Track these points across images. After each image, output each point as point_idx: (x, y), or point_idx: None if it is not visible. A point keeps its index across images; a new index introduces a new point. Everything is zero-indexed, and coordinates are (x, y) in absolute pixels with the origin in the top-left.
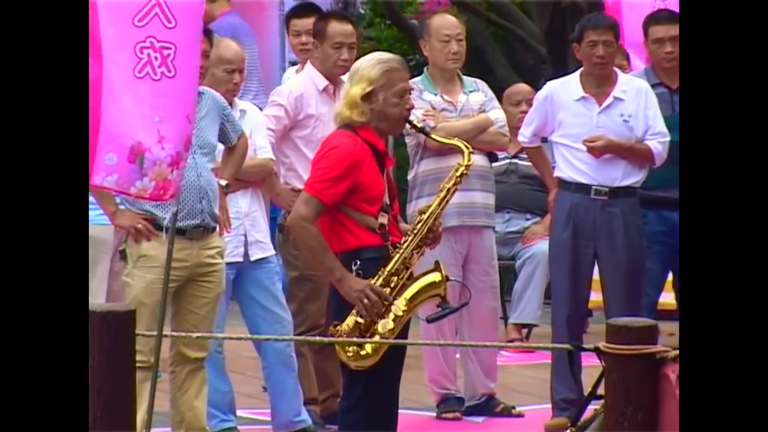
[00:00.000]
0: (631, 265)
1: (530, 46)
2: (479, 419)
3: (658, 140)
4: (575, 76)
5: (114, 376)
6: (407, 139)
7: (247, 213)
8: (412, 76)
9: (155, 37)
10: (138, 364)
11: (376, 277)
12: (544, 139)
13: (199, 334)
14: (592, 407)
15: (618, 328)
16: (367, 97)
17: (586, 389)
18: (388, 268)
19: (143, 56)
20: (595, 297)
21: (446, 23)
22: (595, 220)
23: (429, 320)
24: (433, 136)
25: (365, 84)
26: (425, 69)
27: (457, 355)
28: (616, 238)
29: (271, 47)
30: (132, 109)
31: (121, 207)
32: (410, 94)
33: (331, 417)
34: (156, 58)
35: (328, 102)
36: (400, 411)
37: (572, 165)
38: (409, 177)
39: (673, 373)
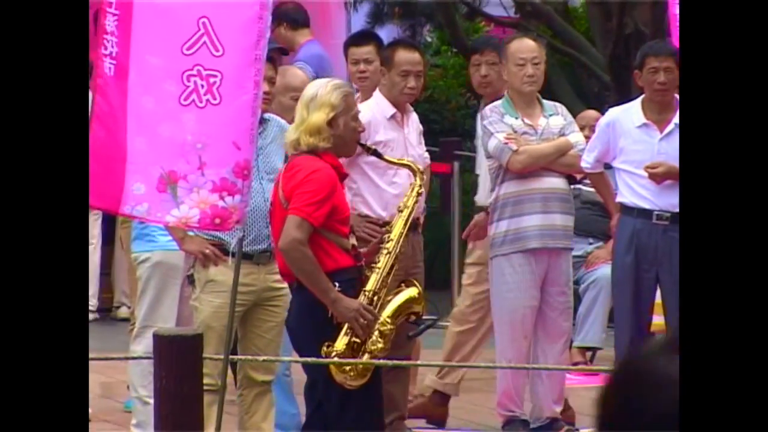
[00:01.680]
0: None
1: (594, 73)
2: None
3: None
4: (637, 103)
5: (182, 399)
6: (488, 162)
7: None
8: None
9: (202, 65)
10: (206, 387)
11: (362, 297)
12: (608, 166)
13: (265, 358)
14: None
15: None
16: (331, 123)
17: None
18: (370, 287)
19: (190, 84)
20: (658, 320)
21: (522, 47)
22: (657, 245)
23: (410, 336)
24: (385, 157)
25: (328, 109)
26: (506, 93)
27: (528, 378)
28: (677, 263)
29: (341, 75)
30: (168, 138)
31: (190, 233)
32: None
33: None
34: (202, 86)
35: (396, 129)
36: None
37: (634, 191)
38: (490, 200)
39: None
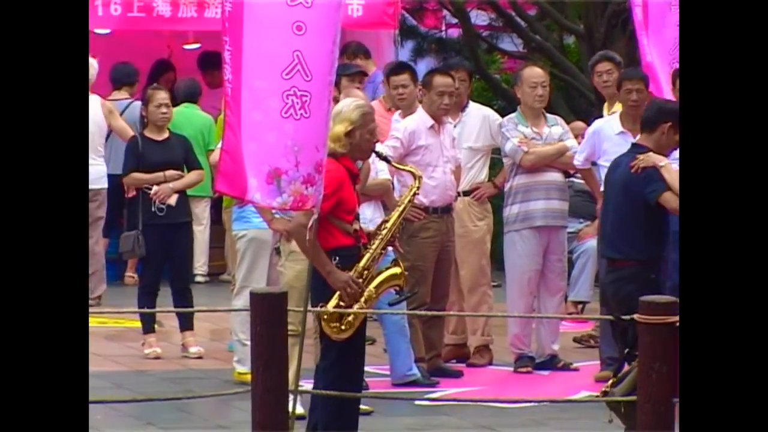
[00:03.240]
0: None
1: (583, 94)
2: (546, 372)
3: (678, 162)
4: (616, 116)
5: (272, 341)
6: (505, 160)
7: (371, 219)
8: (504, 114)
9: (297, 87)
10: (290, 333)
11: (353, 271)
12: (594, 163)
13: (333, 310)
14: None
15: (648, 303)
16: (348, 134)
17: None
18: (362, 264)
19: (288, 101)
20: None
21: (534, 73)
22: None
23: (390, 304)
24: (393, 162)
25: (348, 123)
26: (518, 107)
27: (533, 325)
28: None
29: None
30: (274, 142)
31: (277, 215)
32: (376, 129)
33: (435, 371)
34: (297, 103)
35: (434, 136)
36: (487, 366)
37: None
38: (506, 188)
39: None
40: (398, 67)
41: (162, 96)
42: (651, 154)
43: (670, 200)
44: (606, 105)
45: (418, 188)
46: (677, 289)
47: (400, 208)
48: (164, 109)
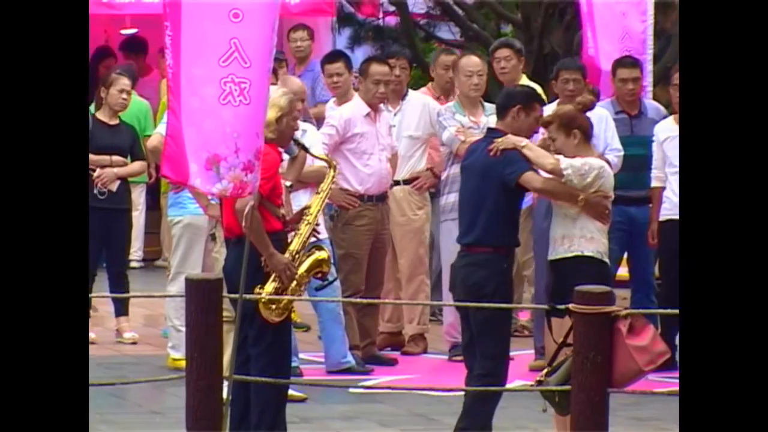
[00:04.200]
0: None
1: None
2: None
3: (614, 154)
4: (553, 105)
5: (206, 327)
6: (442, 149)
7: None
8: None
9: (235, 74)
10: (224, 319)
11: (288, 255)
12: None
13: (269, 296)
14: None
15: (584, 293)
16: (278, 120)
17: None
18: (293, 248)
19: (226, 88)
20: None
21: (470, 62)
22: None
23: (317, 289)
24: (311, 151)
25: (277, 110)
26: (456, 96)
27: None
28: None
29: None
30: (213, 129)
31: (213, 201)
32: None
33: (369, 359)
34: (236, 90)
35: (370, 124)
36: (422, 355)
37: None
38: (442, 177)
39: (623, 327)
40: (333, 56)
41: (125, 82)
42: (510, 135)
43: (532, 179)
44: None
45: (334, 177)
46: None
47: (321, 195)
48: (125, 95)
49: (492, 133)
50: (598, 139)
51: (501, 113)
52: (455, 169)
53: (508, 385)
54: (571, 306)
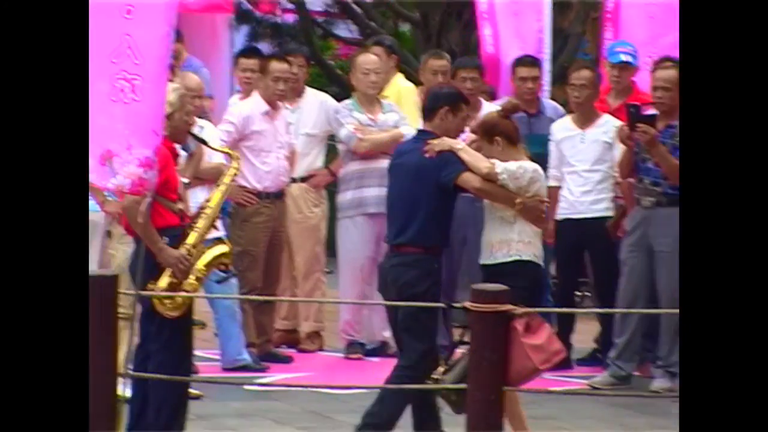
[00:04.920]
0: None
1: (417, 81)
2: (376, 359)
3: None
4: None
5: (102, 324)
6: (339, 147)
7: None
8: (338, 100)
9: (126, 71)
10: (120, 315)
11: (182, 248)
12: None
13: (165, 294)
14: (460, 351)
15: (480, 291)
16: (168, 117)
17: (456, 338)
18: (190, 242)
19: (117, 85)
20: None
21: (367, 60)
22: (465, 212)
23: (218, 282)
24: (209, 144)
25: (167, 107)
26: (354, 94)
27: (365, 311)
28: (480, 226)
29: (223, 80)
30: (106, 126)
31: (109, 198)
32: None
33: (265, 357)
34: (127, 87)
35: (269, 122)
36: (318, 352)
37: None
38: (340, 175)
39: (519, 325)
40: (249, 51)
41: None
42: (445, 138)
43: (470, 179)
44: None
45: (237, 169)
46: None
47: (222, 188)
48: None
49: (423, 135)
50: None
51: (428, 115)
52: (353, 167)
53: (405, 385)
54: (467, 304)
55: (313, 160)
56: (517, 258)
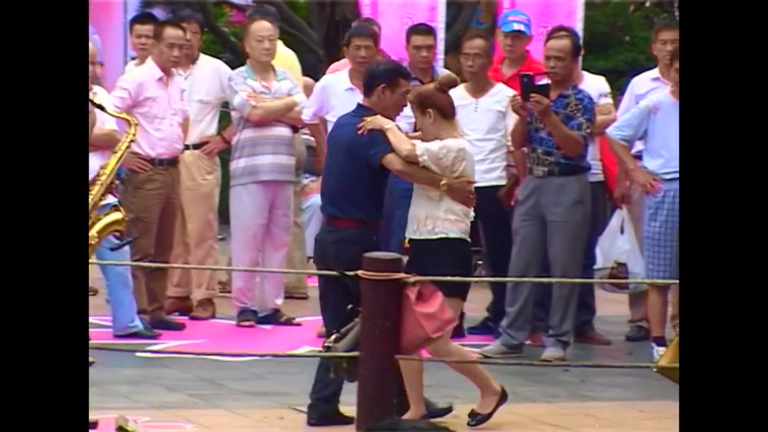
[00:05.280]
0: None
1: (311, 49)
2: (268, 327)
3: (406, 121)
4: (345, 72)
5: None
6: (233, 114)
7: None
8: (232, 67)
9: None
10: None
11: None
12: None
13: None
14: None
15: (372, 259)
16: None
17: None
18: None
19: None
20: None
21: (261, 27)
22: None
23: (112, 249)
24: (107, 110)
25: None
26: (247, 61)
27: (257, 279)
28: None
29: (116, 46)
30: None
31: None
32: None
33: (157, 324)
34: None
35: (163, 88)
36: (210, 320)
37: None
38: (233, 142)
39: (412, 294)
40: (143, 17)
41: None
42: (378, 117)
43: (393, 161)
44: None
45: (135, 135)
46: (401, 246)
47: (118, 155)
48: None
49: (361, 110)
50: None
51: (367, 91)
52: (246, 134)
53: (296, 351)
54: (360, 273)
55: (206, 127)
56: (444, 236)
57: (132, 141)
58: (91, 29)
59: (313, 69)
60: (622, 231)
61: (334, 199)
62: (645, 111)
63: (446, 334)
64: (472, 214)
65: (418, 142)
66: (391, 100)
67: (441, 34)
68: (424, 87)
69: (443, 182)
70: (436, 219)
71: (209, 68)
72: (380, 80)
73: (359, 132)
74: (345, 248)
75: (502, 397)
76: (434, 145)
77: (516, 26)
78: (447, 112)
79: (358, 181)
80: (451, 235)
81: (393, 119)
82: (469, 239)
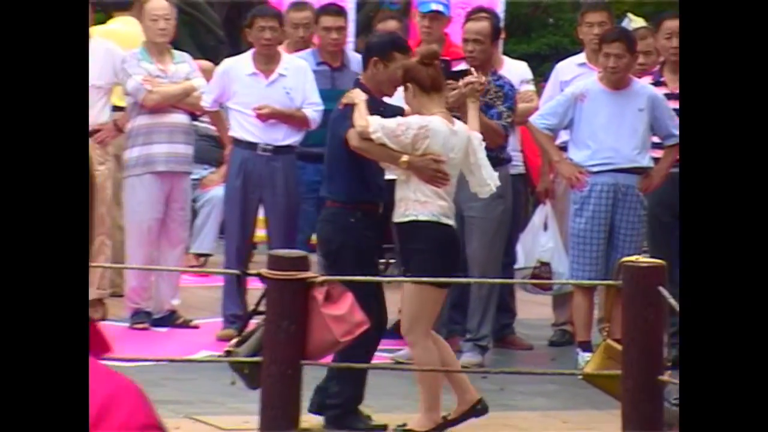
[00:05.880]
0: (289, 208)
1: (211, 30)
2: (164, 329)
3: (313, 108)
4: (247, 55)
5: None
6: (126, 99)
7: None
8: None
9: None
10: None
11: None
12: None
13: None
14: (255, 321)
15: (277, 257)
16: None
17: (251, 307)
18: None
19: None
20: (260, 233)
21: (155, 5)
22: (261, 172)
23: None
24: None
25: None
26: (143, 42)
27: (152, 278)
28: (277, 186)
29: None
30: None
31: None
32: None
33: None
34: None
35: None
36: (100, 322)
37: (244, 127)
38: (127, 130)
39: (319, 294)
40: None
41: None
42: (355, 90)
43: (351, 137)
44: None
45: None
46: (307, 243)
47: None
48: None
49: (355, 86)
50: (296, 92)
51: (363, 66)
52: (141, 121)
53: (194, 356)
54: (263, 271)
55: (98, 113)
56: (413, 218)
57: None
58: None
59: (213, 51)
60: (545, 228)
61: (324, 180)
62: (571, 98)
63: (425, 330)
64: (448, 193)
65: (373, 118)
66: (384, 74)
67: (351, 15)
68: (408, 60)
69: (403, 159)
70: (407, 201)
71: (101, 50)
72: (374, 53)
73: (340, 107)
74: (320, 228)
75: (473, 408)
76: (392, 122)
77: (434, 6)
78: (426, 86)
79: (337, 160)
80: (421, 217)
81: (390, 95)
82: (447, 222)
